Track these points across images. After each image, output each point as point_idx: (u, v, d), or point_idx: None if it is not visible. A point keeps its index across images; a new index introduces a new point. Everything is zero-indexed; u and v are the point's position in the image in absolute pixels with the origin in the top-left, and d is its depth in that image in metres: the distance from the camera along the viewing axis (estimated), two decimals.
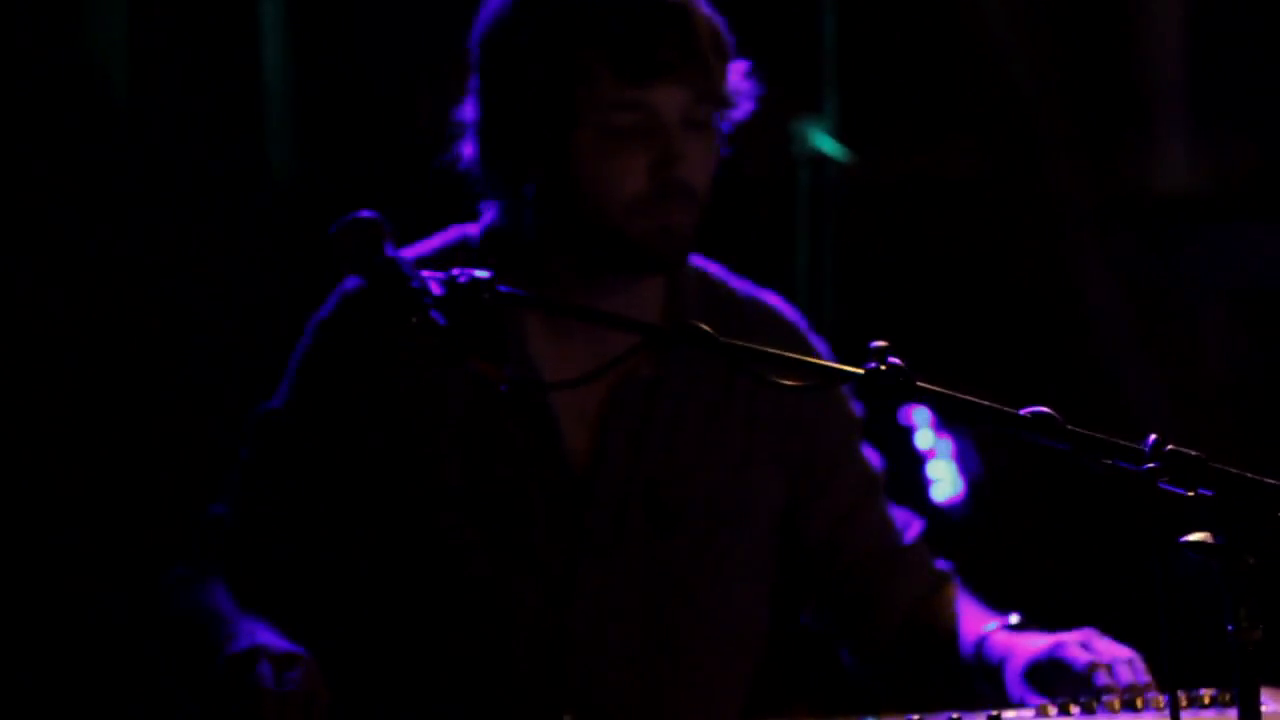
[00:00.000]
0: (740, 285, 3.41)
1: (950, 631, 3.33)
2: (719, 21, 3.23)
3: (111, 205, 6.78)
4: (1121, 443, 2.66)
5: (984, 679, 3.17)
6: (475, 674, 3.23)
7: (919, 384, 2.75)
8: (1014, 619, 3.22)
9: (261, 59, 6.62)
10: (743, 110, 3.34)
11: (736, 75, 3.26)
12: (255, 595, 3.17)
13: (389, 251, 2.96)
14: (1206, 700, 2.91)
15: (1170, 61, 6.09)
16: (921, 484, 6.06)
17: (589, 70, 3.12)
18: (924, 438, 6.06)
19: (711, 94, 3.13)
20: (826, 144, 5.81)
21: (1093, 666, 3.00)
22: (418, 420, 3.24)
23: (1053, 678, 3.04)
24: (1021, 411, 2.71)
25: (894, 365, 2.75)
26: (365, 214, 2.98)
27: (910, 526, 3.47)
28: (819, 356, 3.38)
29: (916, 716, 2.90)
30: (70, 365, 6.38)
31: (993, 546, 6.02)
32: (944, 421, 5.87)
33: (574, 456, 3.25)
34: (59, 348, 6.40)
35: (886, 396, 2.74)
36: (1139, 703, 2.91)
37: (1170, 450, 2.61)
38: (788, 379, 2.84)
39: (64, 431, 5.92)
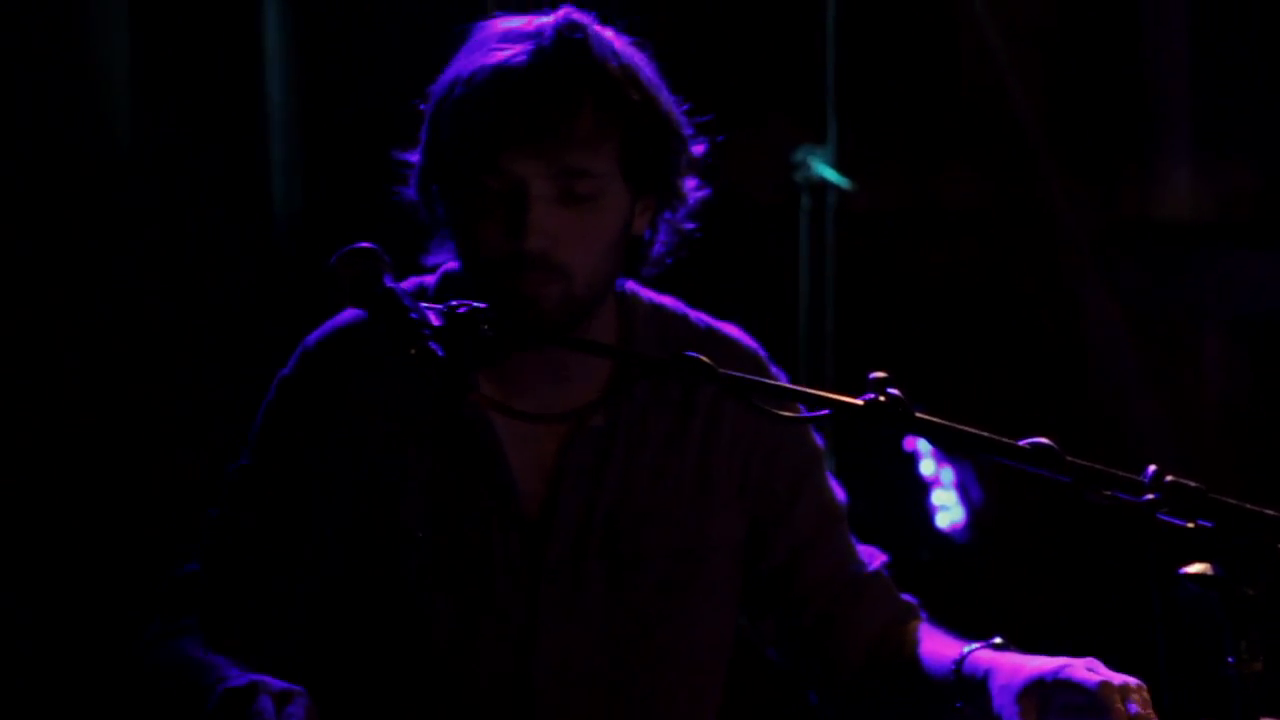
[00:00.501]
0: (698, 317, 3.41)
1: (914, 659, 3.31)
2: (639, 99, 3.17)
3: (113, 237, 6.79)
4: (1121, 474, 2.66)
5: (963, 696, 3.14)
6: (447, 704, 3.24)
7: (918, 415, 2.76)
8: (996, 640, 3.20)
9: (264, 90, 6.64)
10: (693, 195, 3.32)
11: (658, 146, 3.22)
12: (229, 649, 3.18)
13: (388, 283, 2.97)
14: None
15: (1173, 87, 6.10)
16: (925, 512, 6.06)
17: (468, 132, 3.12)
18: (927, 466, 6.06)
19: (584, 172, 3.11)
20: (828, 172, 5.82)
21: (1106, 689, 2.96)
22: (381, 472, 3.25)
23: (1056, 698, 3.01)
24: (1021, 443, 2.71)
25: (893, 396, 2.76)
26: (364, 245, 3.00)
27: (874, 559, 3.46)
28: (771, 377, 3.37)
29: None
30: (71, 396, 6.39)
31: (992, 576, 6.03)
32: (945, 451, 5.88)
33: (529, 504, 3.25)
34: (57, 380, 6.41)
35: (885, 428, 2.75)
36: None
37: (1170, 481, 2.62)
38: (785, 410, 2.85)
39: (65, 468, 5.94)
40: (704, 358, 2.81)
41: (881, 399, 2.76)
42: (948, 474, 6.03)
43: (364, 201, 3.55)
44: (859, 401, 2.77)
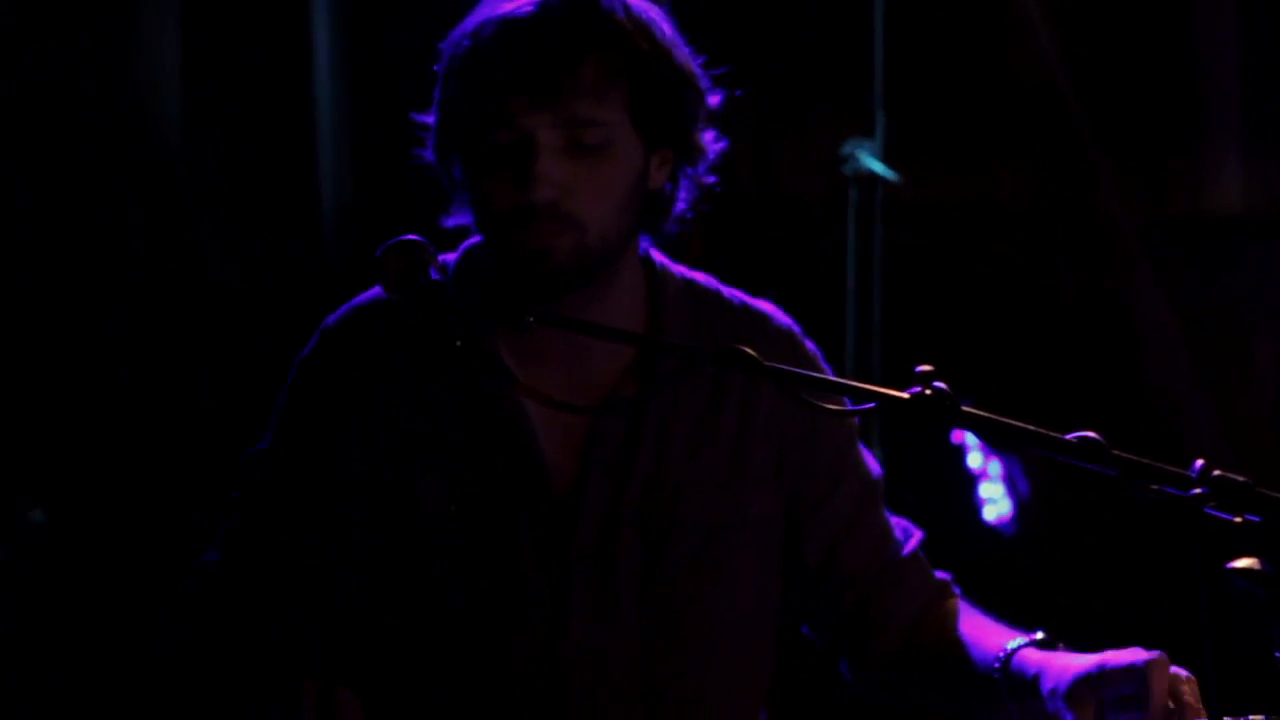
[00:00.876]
0: (732, 294, 3.39)
1: (955, 642, 3.30)
2: (650, 50, 3.16)
3: (165, 237, 6.81)
4: (1168, 468, 2.66)
5: (1011, 694, 3.13)
6: (473, 707, 3.22)
7: (964, 409, 2.75)
8: (1039, 635, 3.19)
9: (314, 88, 6.65)
10: (713, 147, 3.31)
11: (671, 97, 3.21)
12: (250, 638, 3.18)
13: (433, 275, 2.97)
14: None
15: (1224, 80, 6.08)
16: (973, 503, 6.06)
17: (475, 86, 3.12)
18: (974, 458, 6.06)
19: (592, 121, 3.10)
20: (876, 165, 5.82)
21: (1153, 666, 2.95)
22: (404, 452, 3.23)
23: (1107, 691, 3.00)
24: (1068, 437, 2.71)
25: (939, 390, 2.75)
26: (410, 237, 3.00)
27: (911, 537, 3.45)
28: (815, 362, 3.37)
29: None
30: (124, 392, 6.42)
31: (1039, 569, 6.02)
32: (993, 445, 5.88)
33: (558, 481, 3.23)
34: (111, 378, 6.44)
35: (931, 421, 2.75)
36: None
37: (1217, 476, 2.61)
38: (830, 403, 2.84)
39: (122, 462, 5.98)
40: (749, 350, 2.80)
41: (928, 392, 2.75)
42: (995, 467, 6.03)
43: (411, 195, 3.55)
44: (905, 395, 2.77)
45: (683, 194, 3.28)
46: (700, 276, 3.38)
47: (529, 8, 3.12)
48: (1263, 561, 2.54)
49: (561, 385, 3.22)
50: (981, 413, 2.75)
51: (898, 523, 3.44)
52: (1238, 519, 2.58)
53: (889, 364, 5.74)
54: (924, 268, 6.27)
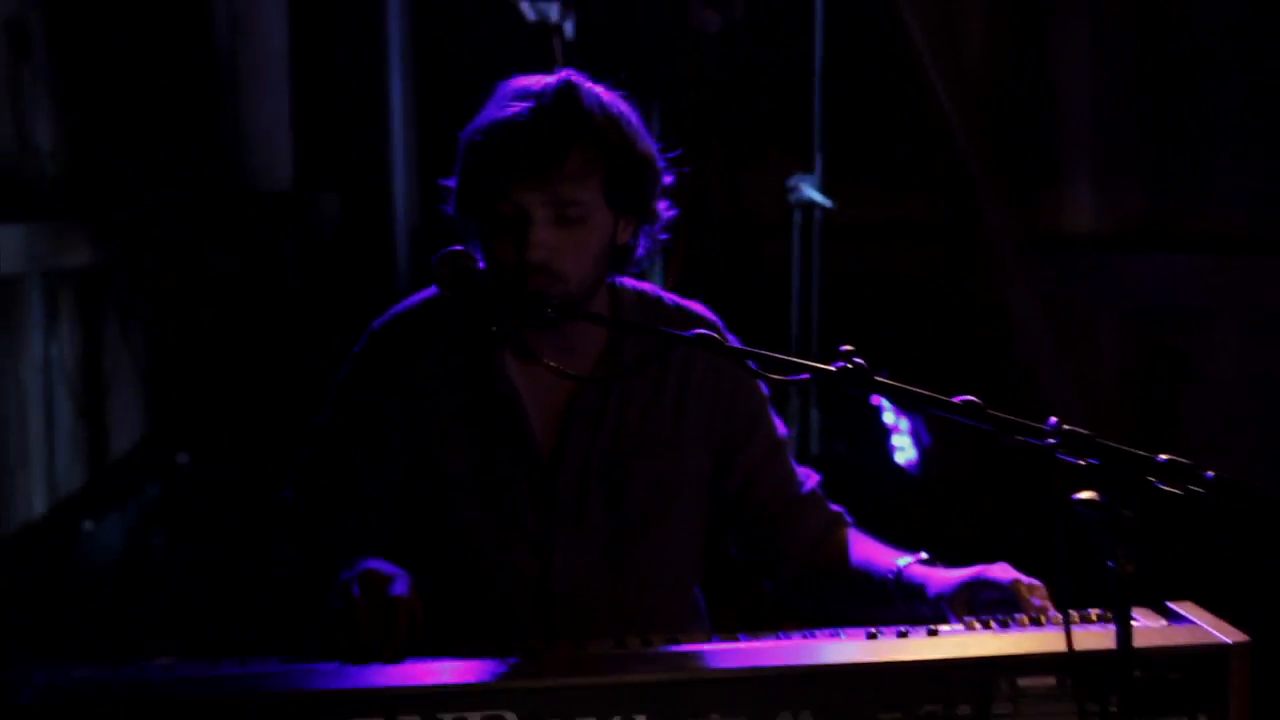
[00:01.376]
0: (670, 298, 3.41)
1: (851, 560, 3.33)
2: (619, 140, 3.17)
3: (277, 254, 6.81)
4: (1030, 423, 2.67)
5: (902, 597, 3.16)
6: (486, 613, 3.26)
7: (877, 379, 2.76)
8: (923, 555, 3.21)
9: (390, 135, 6.64)
10: (666, 213, 3.31)
11: (635, 178, 3.21)
12: (316, 554, 3.21)
13: (476, 277, 3.00)
14: (1094, 618, 2.90)
15: (1080, 132, 6.08)
16: (888, 450, 6.06)
17: (485, 171, 3.15)
18: (889, 417, 6.06)
19: (574, 201, 3.13)
20: (815, 194, 5.80)
21: (1016, 585, 2.99)
22: (428, 426, 3.27)
23: (979, 595, 3.03)
24: (955, 399, 2.71)
25: (858, 364, 2.77)
26: (458, 248, 3.04)
27: (810, 479, 3.46)
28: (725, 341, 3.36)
29: (873, 629, 2.89)
30: (254, 365, 6.42)
31: (936, 499, 6.02)
32: (898, 407, 5.87)
33: (544, 447, 3.28)
34: (245, 355, 6.45)
35: (851, 388, 2.76)
36: (1042, 619, 2.90)
37: (1067, 429, 2.62)
38: (774, 372, 2.85)
39: (251, 418, 5.99)
40: (715, 334, 2.83)
41: (849, 366, 2.77)
42: (904, 423, 6.03)
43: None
44: (832, 368, 2.78)
45: (642, 245, 3.29)
46: (647, 286, 3.40)
47: (526, 113, 3.13)
48: (1100, 494, 2.54)
49: (548, 378, 3.27)
50: (890, 381, 2.76)
51: (800, 470, 3.45)
52: (1082, 462, 2.59)
53: (825, 349, 5.74)
54: (853, 274, 6.26)
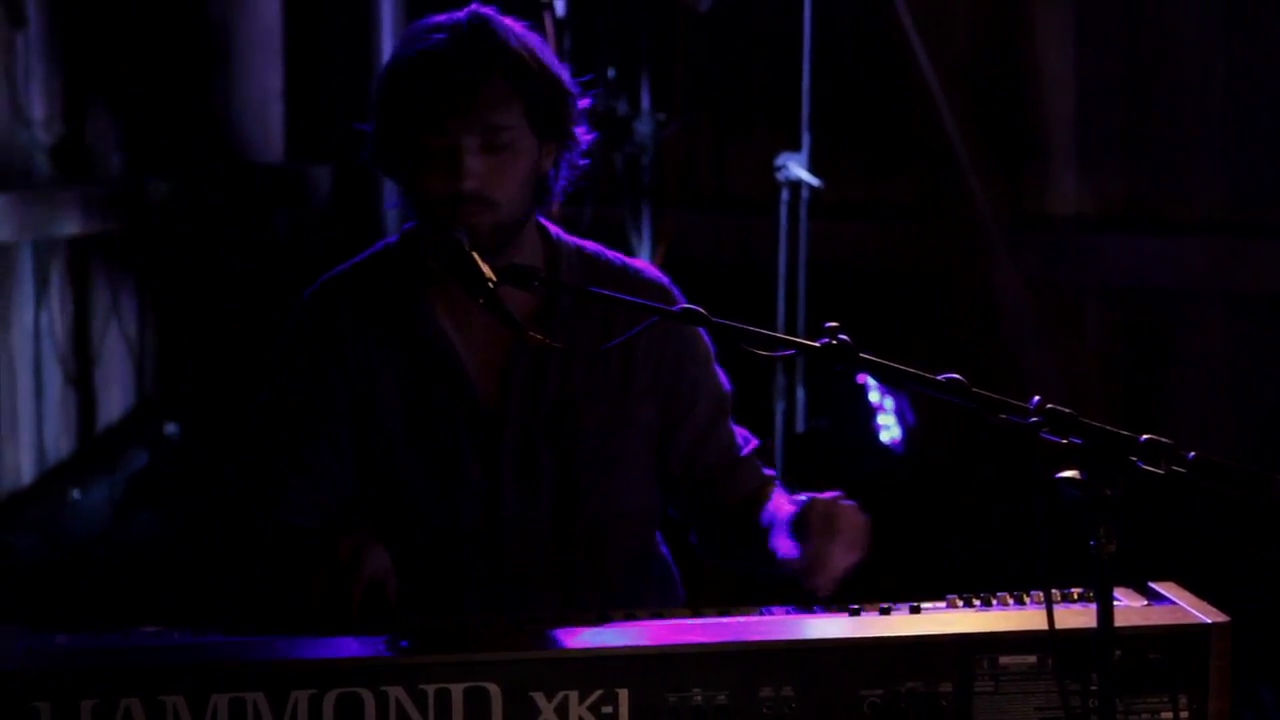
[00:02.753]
0: (614, 256, 3.41)
1: (759, 515, 3.34)
2: (534, 65, 3.20)
3: (270, 226, 6.80)
4: (1013, 401, 2.65)
5: (766, 539, 3.18)
6: (438, 566, 3.25)
7: (862, 355, 2.75)
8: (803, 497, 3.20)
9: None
10: (584, 137, 3.31)
11: (563, 107, 3.24)
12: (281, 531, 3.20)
13: (466, 249, 2.99)
14: (1075, 596, 2.90)
15: (1062, 113, 6.07)
16: (872, 428, 6.05)
17: (412, 106, 3.16)
18: (874, 395, 6.05)
19: (501, 126, 3.13)
20: (802, 173, 5.79)
21: (812, 503, 3.04)
22: (367, 390, 3.26)
23: (811, 524, 3.04)
24: (939, 377, 2.70)
25: (842, 340, 2.75)
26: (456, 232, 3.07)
27: (749, 443, 3.47)
28: (677, 305, 3.34)
29: (855, 606, 2.88)
30: (238, 340, 6.41)
31: (921, 478, 6.02)
32: (884, 384, 5.87)
33: (486, 404, 3.27)
34: (231, 328, 6.44)
35: (835, 364, 2.75)
36: (1024, 598, 2.89)
37: (1050, 408, 2.60)
38: (760, 348, 2.82)
39: (236, 390, 5.95)
40: (701, 309, 2.82)
41: (834, 342, 2.75)
42: (889, 402, 6.02)
43: None
44: (817, 344, 2.77)
45: (564, 174, 3.29)
46: (587, 243, 3.40)
47: (444, 40, 3.16)
48: (1082, 472, 2.53)
49: (481, 332, 3.27)
50: (874, 358, 2.75)
51: (740, 431, 3.46)
52: (1064, 440, 2.57)
53: (811, 325, 5.73)
54: (839, 251, 6.26)
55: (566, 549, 3.29)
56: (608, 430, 3.31)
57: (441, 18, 3.23)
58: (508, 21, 3.24)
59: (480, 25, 3.19)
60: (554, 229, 3.37)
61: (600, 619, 2.89)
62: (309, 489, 3.24)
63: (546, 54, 3.25)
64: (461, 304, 3.22)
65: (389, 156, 3.24)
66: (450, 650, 2.70)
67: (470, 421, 3.26)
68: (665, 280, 3.41)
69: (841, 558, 3.01)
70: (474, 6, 3.25)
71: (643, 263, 3.43)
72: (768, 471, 3.46)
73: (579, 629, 2.81)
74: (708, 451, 3.39)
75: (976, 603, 2.89)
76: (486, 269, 2.97)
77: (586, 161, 3.34)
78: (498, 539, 3.26)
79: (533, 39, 3.25)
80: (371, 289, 3.31)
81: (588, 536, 3.30)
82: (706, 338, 3.41)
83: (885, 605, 2.88)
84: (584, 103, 3.32)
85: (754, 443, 3.46)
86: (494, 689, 2.66)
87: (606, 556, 3.32)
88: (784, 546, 3.08)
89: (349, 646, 2.72)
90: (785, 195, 5.85)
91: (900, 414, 5.99)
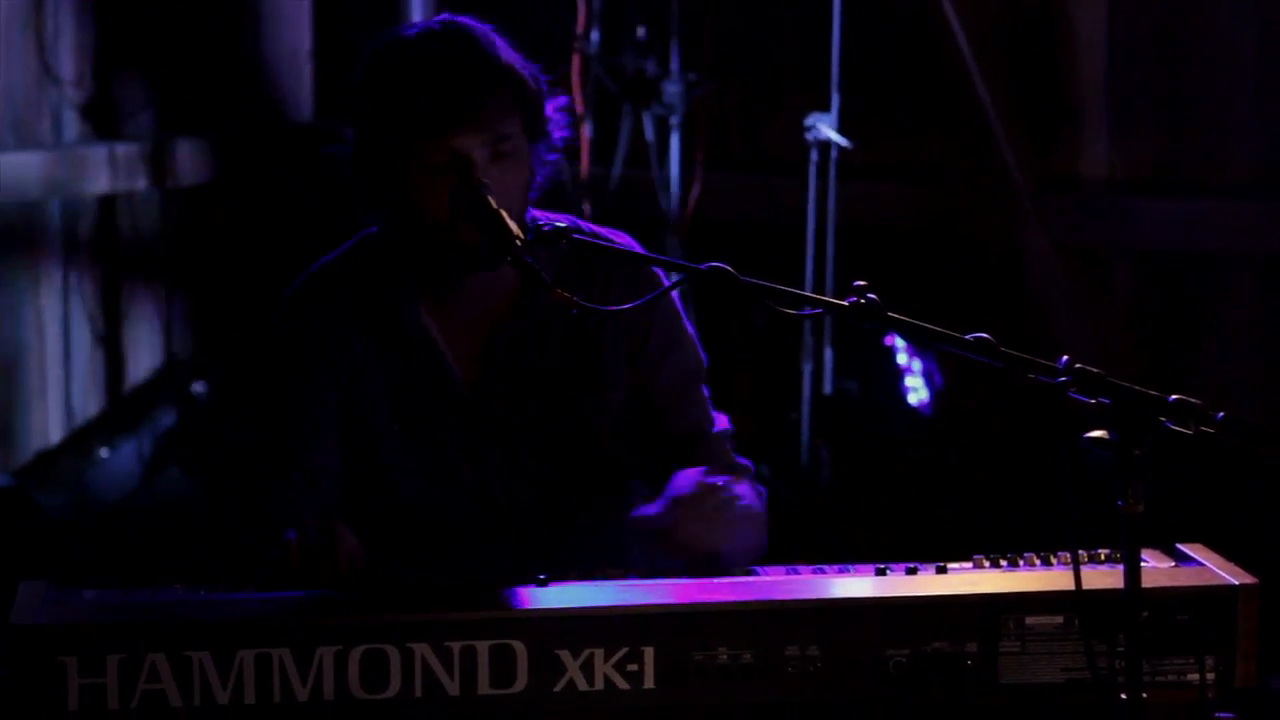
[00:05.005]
0: (588, 226, 3.36)
1: None
2: (523, 72, 3.17)
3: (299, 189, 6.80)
4: (1041, 361, 2.65)
5: None
6: (423, 552, 3.24)
7: (889, 314, 2.74)
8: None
9: None
10: (557, 135, 3.27)
11: (544, 110, 3.21)
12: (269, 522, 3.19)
13: (494, 208, 2.98)
14: (1102, 557, 2.90)
15: (1094, 76, 6.05)
16: (900, 391, 6.05)
17: (409, 127, 3.09)
18: (902, 357, 6.05)
19: (507, 135, 3.10)
20: (832, 134, 5.78)
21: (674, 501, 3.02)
22: (352, 383, 3.24)
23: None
24: (967, 337, 2.69)
25: (870, 299, 2.74)
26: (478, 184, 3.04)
27: (720, 421, 3.43)
28: (658, 276, 3.31)
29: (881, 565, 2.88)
30: (266, 302, 6.38)
31: (950, 441, 6.02)
32: (912, 344, 5.87)
33: (467, 387, 3.25)
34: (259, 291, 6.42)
35: (863, 322, 2.74)
36: (1051, 559, 2.89)
37: (1078, 368, 2.60)
38: (787, 307, 2.81)
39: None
40: (727, 266, 2.80)
41: (862, 301, 2.74)
42: (917, 364, 6.01)
43: None
44: (845, 303, 2.75)
45: (540, 171, 3.24)
46: (564, 217, 3.34)
47: (439, 53, 3.11)
48: (1110, 433, 2.53)
49: (463, 325, 3.26)
50: (902, 317, 2.74)
51: (719, 416, 3.42)
52: (1093, 401, 2.57)
53: (839, 287, 5.72)
54: (868, 212, 6.25)
55: (555, 531, 3.28)
56: (583, 406, 3.29)
57: (419, 26, 3.18)
58: (484, 28, 3.19)
59: (468, 34, 3.14)
60: (529, 210, 3.31)
61: (626, 575, 2.89)
62: (298, 483, 3.22)
63: (523, 59, 3.21)
64: (442, 293, 3.22)
65: (379, 172, 3.17)
66: (476, 608, 2.71)
67: (453, 408, 3.25)
68: (641, 249, 3.37)
69: (697, 537, 2.98)
70: (445, 16, 3.19)
71: (620, 233, 3.37)
72: (742, 460, 3.41)
73: (605, 586, 2.81)
74: (674, 420, 3.35)
75: (1003, 563, 2.89)
76: (515, 227, 2.95)
77: (555, 157, 3.31)
78: (486, 526, 3.26)
79: (505, 44, 3.20)
80: (353, 283, 3.27)
81: (576, 516, 3.30)
82: (680, 309, 3.38)
83: (912, 565, 2.88)
84: (560, 100, 3.29)
85: (725, 426, 3.42)
86: (519, 646, 2.67)
87: (598, 534, 3.30)
88: (649, 508, 3.07)
89: (374, 603, 2.73)
90: (815, 156, 5.84)
91: (928, 376, 5.99)
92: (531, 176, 3.20)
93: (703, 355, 3.41)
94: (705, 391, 3.40)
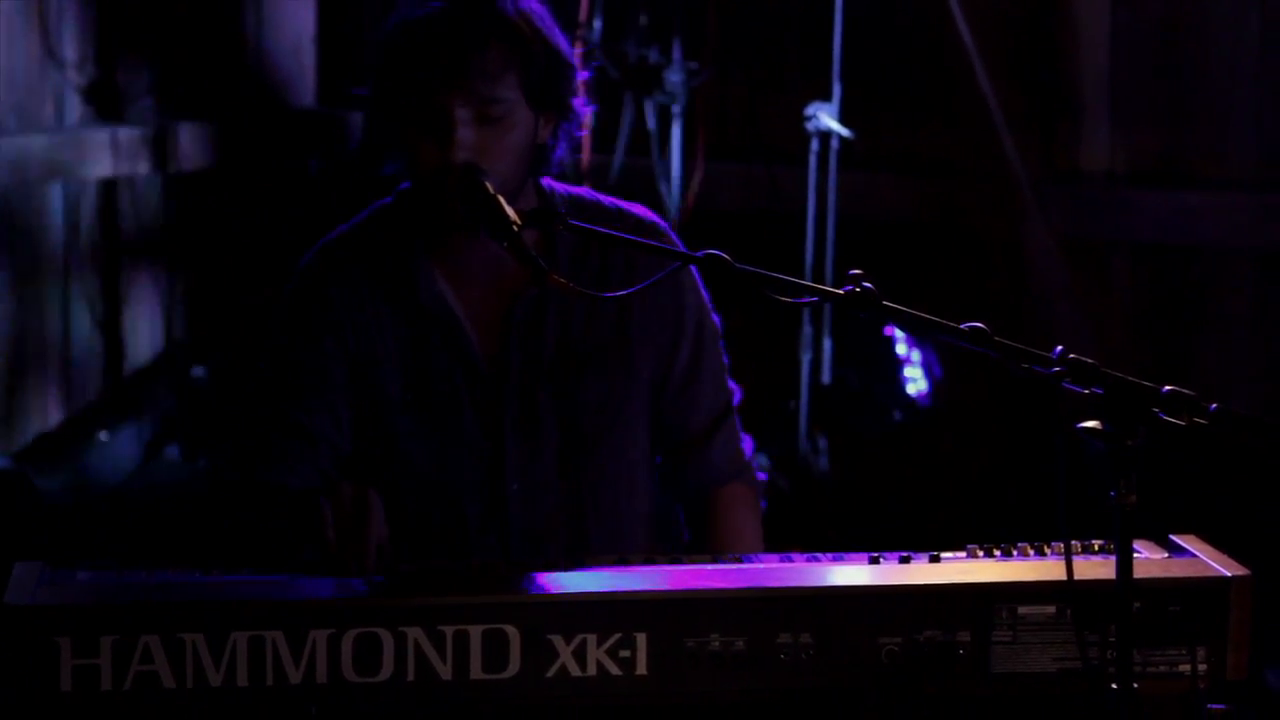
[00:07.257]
0: (609, 200, 3.36)
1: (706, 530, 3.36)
2: (533, 36, 3.15)
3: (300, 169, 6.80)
4: (1035, 351, 2.65)
5: None
6: (445, 529, 3.23)
7: (885, 302, 2.74)
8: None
9: None
10: (582, 110, 3.28)
11: (551, 74, 3.18)
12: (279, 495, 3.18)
13: (490, 192, 2.98)
14: (1095, 548, 2.90)
15: (1095, 68, 6.04)
16: (899, 381, 6.05)
17: (403, 76, 3.12)
18: (901, 348, 6.05)
19: (497, 99, 3.09)
20: (833, 123, 5.78)
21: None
22: (366, 354, 3.23)
23: None
24: (961, 326, 2.70)
25: (867, 288, 2.74)
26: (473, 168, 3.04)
27: (735, 394, 3.44)
28: (676, 247, 3.26)
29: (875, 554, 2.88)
30: (266, 287, 6.39)
31: (947, 430, 6.02)
32: (907, 332, 5.86)
33: (486, 361, 3.23)
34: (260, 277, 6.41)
35: (858, 310, 2.74)
36: (1044, 549, 2.89)
37: (1072, 358, 2.60)
38: (783, 295, 2.81)
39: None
40: (723, 253, 2.80)
41: (857, 289, 2.74)
42: (916, 355, 6.02)
43: None
44: (841, 291, 2.76)
45: (562, 144, 3.25)
46: (581, 190, 3.35)
47: (441, 8, 3.12)
48: (1104, 423, 2.53)
49: (479, 294, 3.25)
50: (898, 306, 2.74)
51: (736, 388, 3.42)
52: (1086, 391, 2.57)
53: (839, 277, 5.72)
54: (868, 202, 6.24)
55: (572, 504, 3.27)
56: (609, 381, 3.28)
57: None
58: None
59: None
60: (546, 181, 3.32)
61: (620, 562, 2.89)
62: (303, 452, 3.20)
63: (546, 24, 3.19)
64: (459, 263, 3.22)
65: (385, 124, 3.19)
66: (469, 592, 2.71)
67: (470, 381, 3.23)
68: (660, 221, 3.37)
69: None
70: None
71: (636, 205, 3.38)
72: (746, 445, 3.42)
73: (598, 572, 2.82)
74: (695, 393, 3.35)
75: (996, 553, 2.89)
76: (511, 212, 2.95)
77: (584, 133, 3.30)
78: (501, 498, 3.24)
79: (534, 8, 3.19)
80: (367, 253, 3.26)
81: (594, 491, 3.28)
82: (700, 285, 3.38)
83: (905, 554, 2.88)
84: (583, 75, 3.29)
85: (738, 398, 3.42)
86: (512, 631, 2.67)
87: (614, 510, 3.30)
88: None
89: (368, 587, 2.73)
90: (815, 145, 5.84)
91: (927, 367, 5.99)
92: (532, 144, 3.18)
93: (717, 323, 3.41)
94: (723, 360, 3.41)
